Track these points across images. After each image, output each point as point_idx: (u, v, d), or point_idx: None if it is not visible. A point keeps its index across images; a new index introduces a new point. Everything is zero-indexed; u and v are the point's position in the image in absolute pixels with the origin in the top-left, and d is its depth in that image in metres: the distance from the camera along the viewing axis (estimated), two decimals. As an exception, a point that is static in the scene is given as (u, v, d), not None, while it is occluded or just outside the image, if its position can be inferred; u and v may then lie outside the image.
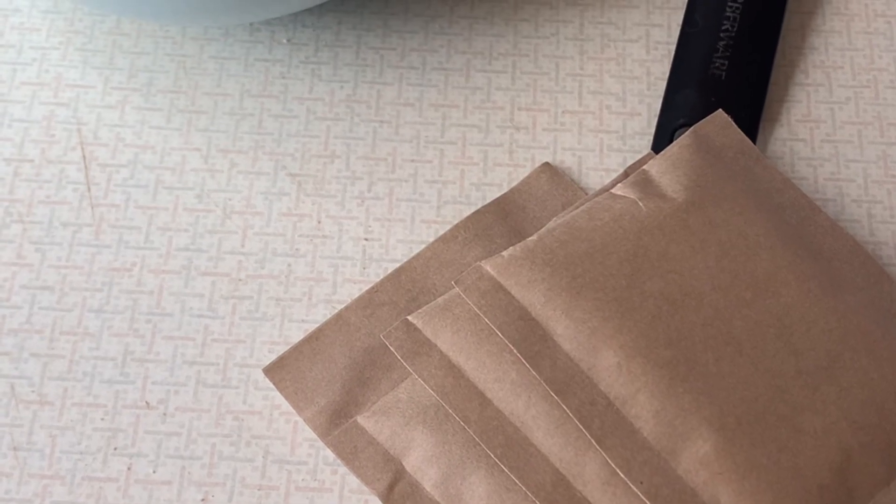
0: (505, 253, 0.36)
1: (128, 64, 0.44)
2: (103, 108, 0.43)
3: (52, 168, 0.42)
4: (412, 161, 0.42)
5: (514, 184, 0.42)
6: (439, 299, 0.36)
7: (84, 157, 0.42)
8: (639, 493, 0.33)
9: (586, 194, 0.41)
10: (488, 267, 0.36)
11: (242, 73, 0.44)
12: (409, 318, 0.36)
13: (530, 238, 0.36)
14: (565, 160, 0.42)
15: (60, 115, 0.43)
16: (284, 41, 0.44)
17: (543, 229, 0.37)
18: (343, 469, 0.37)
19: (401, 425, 0.36)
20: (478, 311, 0.35)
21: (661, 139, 0.42)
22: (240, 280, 0.40)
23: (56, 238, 0.40)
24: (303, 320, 0.39)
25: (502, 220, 0.40)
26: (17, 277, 0.40)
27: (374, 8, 0.45)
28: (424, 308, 0.36)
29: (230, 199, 0.41)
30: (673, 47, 0.44)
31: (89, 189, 0.41)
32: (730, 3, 0.43)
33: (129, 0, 0.39)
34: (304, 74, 0.44)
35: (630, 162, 0.42)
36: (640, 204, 0.37)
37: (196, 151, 0.42)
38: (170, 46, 0.44)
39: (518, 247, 0.36)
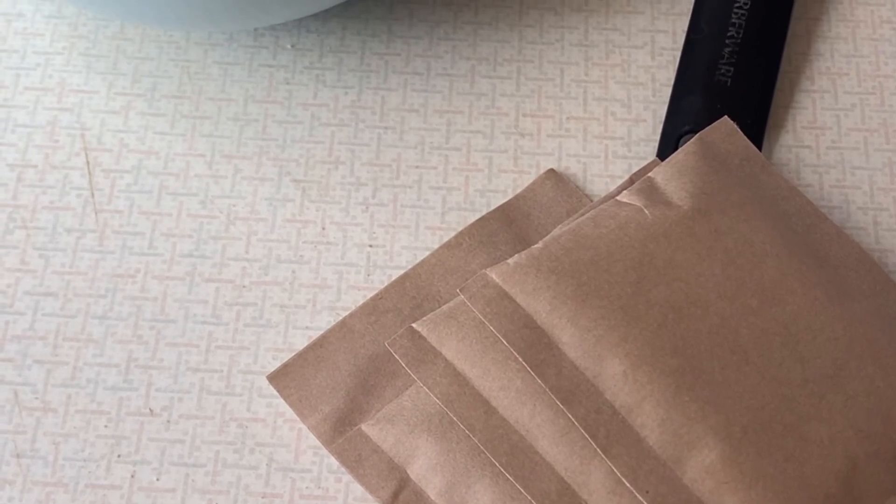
0: (510, 260, 0.36)
1: (132, 69, 0.44)
2: (107, 114, 0.43)
3: (55, 173, 0.42)
4: (417, 167, 0.42)
5: (518, 190, 0.41)
6: (444, 307, 0.36)
7: (88, 162, 0.42)
8: (644, 502, 0.33)
9: (591, 201, 0.41)
10: (493, 275, 0.35)
11: (247, 79, 0.44)
12: (414, 325, 0.36)
13: (535, 245, 0.36)
14: (570, 166, 0.42)
15: (64, 120, 0.43)
16: (289, 46, 0.44)
17: (549, 237, 0.37)
18: (347, 477, 0.37)
19: (405, 433, 0.36)
20: (483, 319, 0.35)
21: (667, 146, 0.42)
22: (244, 286, 0.40)
23: (60, 244, 0.40)
24: (307, 327, 0.39)
25: (507, 227, 0.40)
26: (20, 283, 0.40)
27: (379, 13, 0.45)
28: (429, 315, 0.36)
29: (234, 205, 0.41)
30: (678, 54, 0.44)
31: (93, 195, 0.41)
32: (735, 10, 0.43)
33: (132, 5, 0.39)
34: (309, 80, 0.44)
35: (635, 168, 0.42)
36: (646, 211, 0.37)
37: (200, 157, 0.42)
38: (174, 51, 0.44)
39: (523, 254, 0.36)
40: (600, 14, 0.45)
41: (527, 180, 0.42)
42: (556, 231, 0.37)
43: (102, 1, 0.39)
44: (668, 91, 0.43)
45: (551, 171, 0.42)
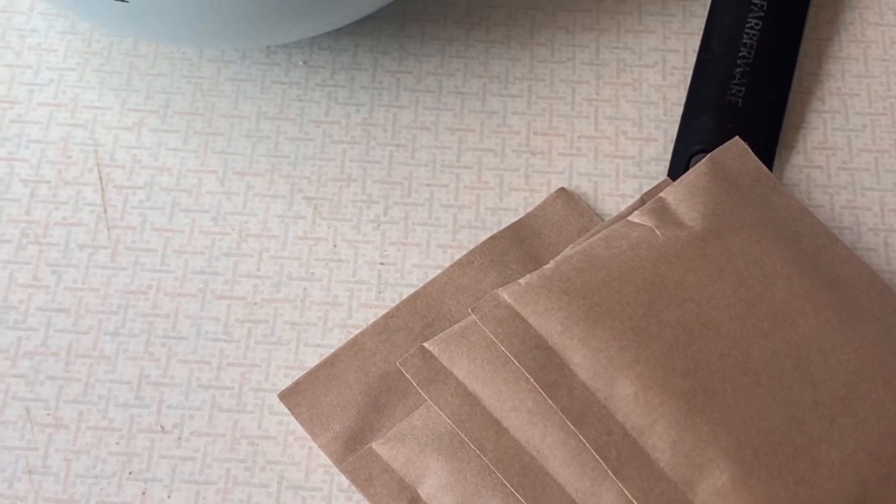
0: (522, 280, 0.36)
1: (145, 85, 0.44)
2: (120, 130, 0.43)
3: (68, 190, 0.42)
4: (428, 185, 0.42)
5: (529, 209, 0.42)
6: (455, 326, 0.36)
7: (100, 178, 0.42)
8: (655, 524, 0.33)
9: (602, 220, 0.41)
10: (505, 295, 0.36)
11: (259, 96, 0.44)
12: (426, 344, 0.36)
13: (547, 266, 0.36)
14: (581, 185, 0.42)
15: (77, 136, 0.43)
16: (301, 64, 0.45)
17: (560, 256, 0.37)
18: (358, 496, 0.37)
19: (416, 452, 0.36)
20: (494, 339, 0.35)
21: (678, 165, 0.42)
22: (255, 304, 0.40)
23: (72, 260, 0.41)
24: (318, 345, 0.39)
25: (518, 246, 0.40)
26: (32, 299, 0.40)
27: (391, 31, 0.45)
28: (440, 335, 0.36)
29: (246, 222, 0.41)
30: (689, 73, 0.44)
31: (105, 211, 0.41)
32: (747, 30, 0.43)
33: (146, 22, 0.39)
34: (321, 97, 0.44)
35: (646, 188, 0.42)
36: (657, 232, 0.37)
37: (212, 174, 0.42)
38: (187, 68, 0.44)
39: (535, 274, 0.36)
40: (612, 33, 0.45)
41: (538, 199, 0.42)
42: (568, 251, 0.37)
43: (116, 18, 0.39)
44: (679, 110, 0.44)
45: (562, 189, 0.42)
